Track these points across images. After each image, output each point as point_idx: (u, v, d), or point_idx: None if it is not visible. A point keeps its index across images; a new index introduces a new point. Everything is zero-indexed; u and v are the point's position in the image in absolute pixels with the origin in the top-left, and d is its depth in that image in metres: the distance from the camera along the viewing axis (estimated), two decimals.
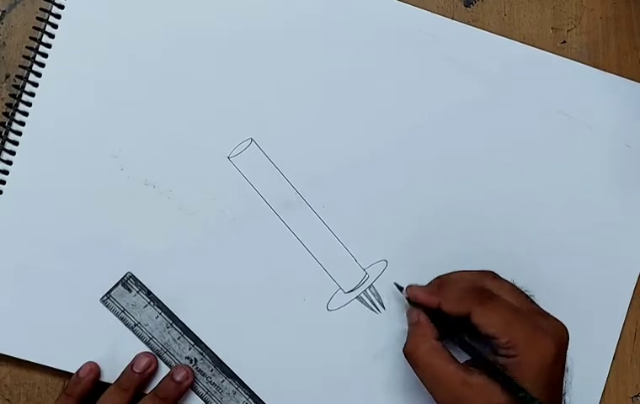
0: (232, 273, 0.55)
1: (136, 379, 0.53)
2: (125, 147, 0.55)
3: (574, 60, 0.58)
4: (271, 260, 0.56)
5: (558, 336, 0.49)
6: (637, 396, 0.58)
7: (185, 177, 0.56)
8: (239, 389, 0.54)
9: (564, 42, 0.59)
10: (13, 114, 0.55)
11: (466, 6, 0.59)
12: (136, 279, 0.55)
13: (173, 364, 0.54)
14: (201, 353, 0.54)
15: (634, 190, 0.58)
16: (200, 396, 0.54)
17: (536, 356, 0.47)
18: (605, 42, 0.59)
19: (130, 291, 0.54)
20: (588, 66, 0.58)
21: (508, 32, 0.59)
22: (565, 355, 0.49)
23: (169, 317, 0.54)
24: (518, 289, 0.51)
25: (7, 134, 0.55)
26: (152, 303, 0.54)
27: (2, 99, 0.56)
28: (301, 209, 0.56)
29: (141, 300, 0.54)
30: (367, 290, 0.56)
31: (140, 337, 0.54)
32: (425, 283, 0.54)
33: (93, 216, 0.55)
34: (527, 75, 0.58)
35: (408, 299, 0.53)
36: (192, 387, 0.54)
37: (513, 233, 0.57)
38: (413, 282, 0.54)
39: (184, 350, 0.54)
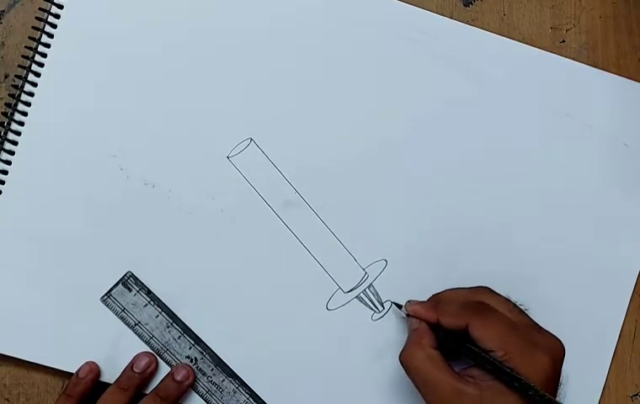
0: (231, 273, 0.55)
1: (136, 378, 0.53)
2: (124, 147, 0.55)
3: (573, 59, 0.59)
4: (271, 260, 0.55)
5: (554, 351, 0.49)
6: (637, 395, 0.58)
7: (185, 176, 0.56)
8: (239, 388, 0.54)
9: (563, 42, 0.59)
10: (12, 114, 0.55)
11: (465, 5, 0.59)
12: (136, 279, 0.55)
13: (174, 363, 0.54)
14: (202, 353, 0.54)
15: (633, 189, 0.58)
16: (200, 396, 0.54)
17: (531, 370, 0.47)
18: (604, 41, 0.59)
19: (130, 290, 0.54)
20: (587, 66, 0.59)
21: (507, 32, 0.59)
22: (560, 370, 0.49)
23: (169, 317, 0.54)
24: (513, 303, 0.51)
25: (6, 134, 0.55)
26: (152, 302, 0.54)
27: (1, 99, 0.56)
28: (301, 209, 0.56)
29: (142, 299, 0.54)
30: (367, 290, 0.56)
31: (140, 336, 0.54)
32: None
33: (92, 216, 0.55)
34: (526, 74, 0.58)
35: (407, 314, 0.53)
36: (193, 386, 0.54)
37: (512, 232, 0.57)
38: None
39: (184, 349, 0.54)
